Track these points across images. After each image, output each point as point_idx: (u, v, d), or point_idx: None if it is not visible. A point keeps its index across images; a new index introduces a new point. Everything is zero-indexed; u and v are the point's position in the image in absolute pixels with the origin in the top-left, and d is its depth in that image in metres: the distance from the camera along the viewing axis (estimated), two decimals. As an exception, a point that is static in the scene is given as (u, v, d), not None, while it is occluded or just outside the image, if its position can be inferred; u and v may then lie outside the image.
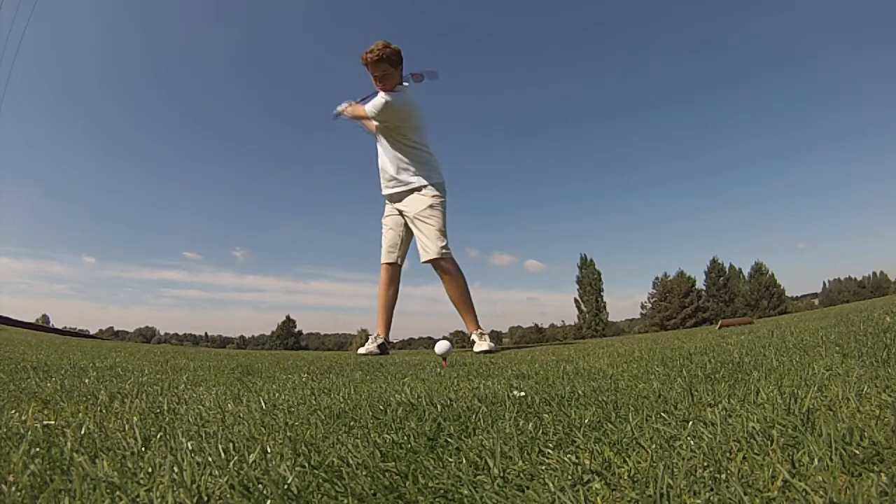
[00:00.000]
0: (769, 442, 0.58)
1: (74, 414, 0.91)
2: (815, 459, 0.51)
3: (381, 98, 3.24)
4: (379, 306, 3.55)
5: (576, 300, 40.23)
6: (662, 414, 0.77)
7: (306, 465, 0.58)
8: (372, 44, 3.21)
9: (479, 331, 3.31)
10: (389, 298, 3.55)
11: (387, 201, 3.62)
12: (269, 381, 1.55)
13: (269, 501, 0.48)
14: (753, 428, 0.62)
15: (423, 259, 3.43)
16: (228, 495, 0.49)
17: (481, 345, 3.16)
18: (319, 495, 0.50)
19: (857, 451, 0.52)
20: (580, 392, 1.04)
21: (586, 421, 0.76)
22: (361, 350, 3.35)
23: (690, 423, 0.69)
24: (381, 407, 0.95)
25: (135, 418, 0.87)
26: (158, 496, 0.48)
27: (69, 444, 0.66)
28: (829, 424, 0.58)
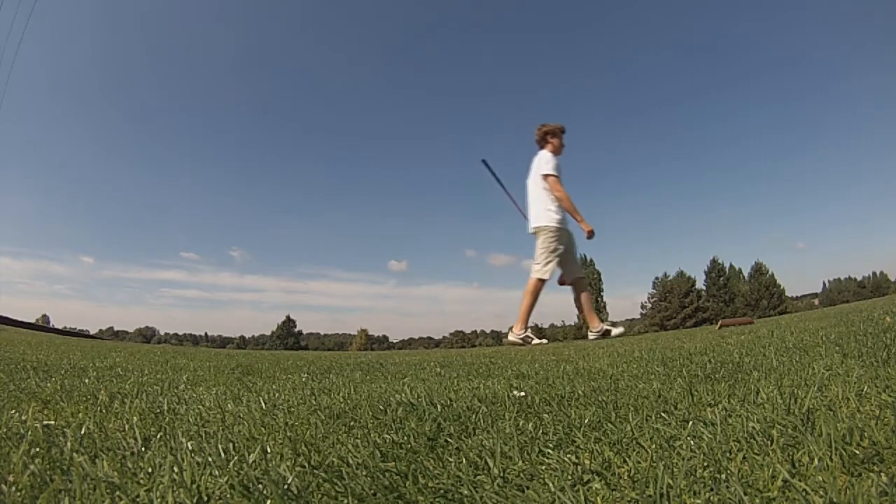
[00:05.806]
0: (769, 442, 0.58)
1: (74, 414, 0.91)
2: (815, 459, 0.51)
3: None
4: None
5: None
6: (662, 414, 0.77)
7: (306, 465, 0.58)
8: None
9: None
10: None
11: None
12: (269, 381, 1.55)
13: (269, 501, 0.48)
14: (753, 428, 0.62)
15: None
16: (228, 495, 0.49)
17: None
18: (319, 495, 0.50)
19: (857, 451, 0.52)
20: (580, 392, 1.04)
21: (586, 421, 0.76)
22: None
23: (690, 423, 0.68)
24: (381, 407, 0.95)
25: (135, 418, 0.87)
26: (158, 496, 0.48)
27: (69, 444, 0.66)
28: (829, 424, 0.58)
